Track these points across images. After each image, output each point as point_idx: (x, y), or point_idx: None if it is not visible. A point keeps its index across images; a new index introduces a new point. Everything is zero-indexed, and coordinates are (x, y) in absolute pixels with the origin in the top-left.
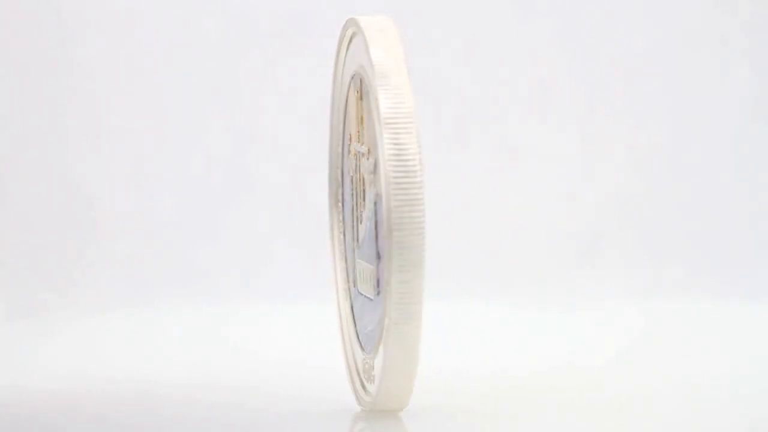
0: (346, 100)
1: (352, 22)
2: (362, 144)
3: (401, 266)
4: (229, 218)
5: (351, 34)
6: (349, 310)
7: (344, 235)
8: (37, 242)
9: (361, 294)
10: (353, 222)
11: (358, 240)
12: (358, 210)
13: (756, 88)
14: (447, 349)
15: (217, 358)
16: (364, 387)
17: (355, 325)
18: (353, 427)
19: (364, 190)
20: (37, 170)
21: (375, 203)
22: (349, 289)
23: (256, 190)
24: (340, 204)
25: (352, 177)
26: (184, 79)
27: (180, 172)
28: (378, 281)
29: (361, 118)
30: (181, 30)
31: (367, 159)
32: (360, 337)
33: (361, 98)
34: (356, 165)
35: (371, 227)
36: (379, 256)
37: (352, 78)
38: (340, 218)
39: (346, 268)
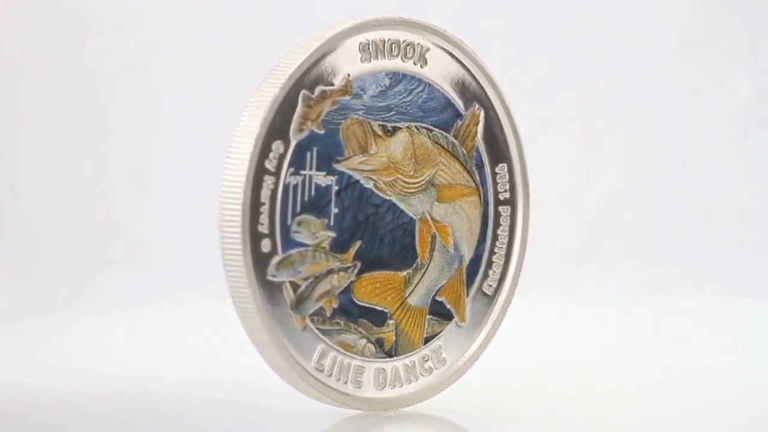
0: None
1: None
2: None
3: (225, 262)
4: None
5: None
6: None
7: None
8: (37, 242)
9: None
10: None
11: None
12: None
13: (756, 88)
14: None
15: (217, 357)
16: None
17: None
18: (354, 427)
19: None
20: (39, 169)
21: None
22: None
23: None
24: None
25: None
26: (184, 78)
27: (180, 172)
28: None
29: None
30: (180, 30)
31: None
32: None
33: None
34: None
35: None
36: None
37: None
38: None
39: None
